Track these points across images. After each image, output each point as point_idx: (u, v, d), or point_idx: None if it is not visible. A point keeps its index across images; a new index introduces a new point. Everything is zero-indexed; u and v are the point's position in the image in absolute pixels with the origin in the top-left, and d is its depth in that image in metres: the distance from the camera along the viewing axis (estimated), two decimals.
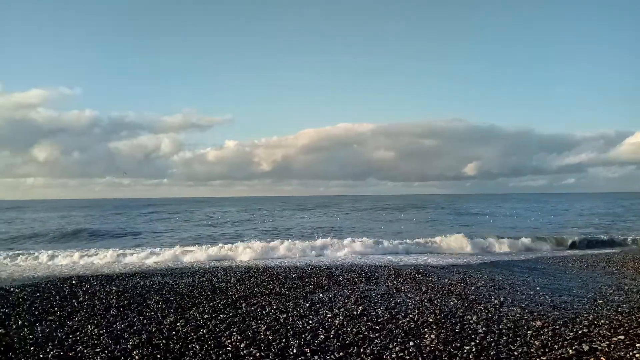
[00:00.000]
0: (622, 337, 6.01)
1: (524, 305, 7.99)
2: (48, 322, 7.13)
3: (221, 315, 7.43)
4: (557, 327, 6.56)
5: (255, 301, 8.50)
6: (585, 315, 7.26)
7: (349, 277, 11.14)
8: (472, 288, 9.64)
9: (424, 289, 9.49)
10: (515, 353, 5.47)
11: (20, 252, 17.51)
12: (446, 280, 10.58)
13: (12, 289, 9.96)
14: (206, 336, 6.29)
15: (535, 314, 7.40)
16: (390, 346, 5.75)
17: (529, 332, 6.33)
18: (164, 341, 6.07)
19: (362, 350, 5.63)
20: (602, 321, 6.84)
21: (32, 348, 5.81)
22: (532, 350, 5.57)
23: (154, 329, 6.67)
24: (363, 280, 10.75)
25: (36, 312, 7.77)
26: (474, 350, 5.57)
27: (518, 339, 6.03)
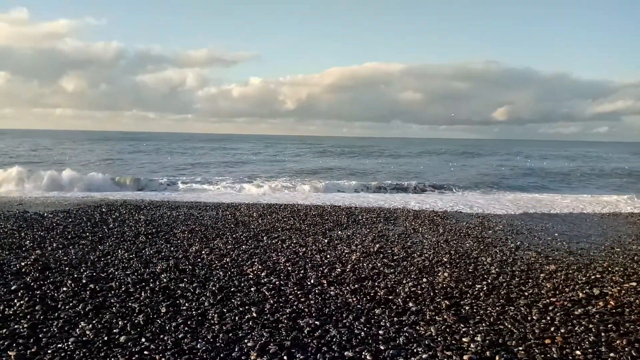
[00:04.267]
0: (634, 283, 6.13)
1: (539, 250, 8.14)
2: (80, 246, 7.60)
3: (243, 247, 7.79)
4: (570, 271, 6.71)
5: (276, 235, 8.84)
6: (600, 262, 7.37)
7: (367, 216, 11.39)
8: (490, 232, 9.80)
9: (441, 231, 9.69)
10: (526, 293, 5.66)
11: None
12: (464, 224, 10.74)
13: (45, 214, 10.53)
14: (229, 264, 6.66)
15: (550, 258, 7.55)
16: (404, 281, 6.02)
17: (541, 275, 6.51)
18: (190, 267, 6.46)
19: (376, 283, 5.91)
20: (617, 268, 6.95)
21: (67, 268, 6.25)
22: (542, 291, 5.75)
23: (180, 256, 7.08)
24: (382, 220, 11.00)
25: (69, 237, 8.26)
26: (485, 289, 5.79)
27: (530, 280, 6.22)
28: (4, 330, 4.27)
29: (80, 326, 4.39)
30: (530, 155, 54.86)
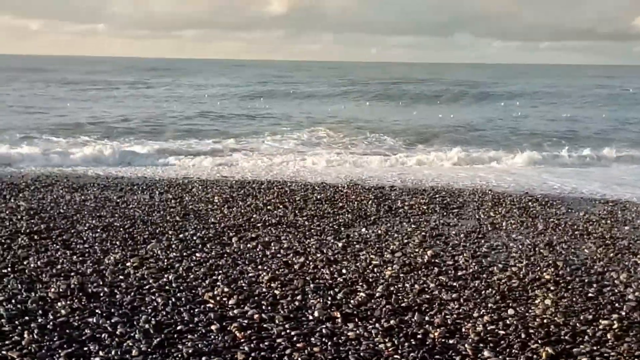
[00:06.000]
0: None
1: None
2: None
3: (198, 254, 7.85)
4: None
5: (254, 235, 8.89)
6: None
7: (412, 202, 11.42)
8: (626, 228, 9.81)
9: (540, 227, 9.71)
10: None
11: None
12: (581, 214, 10.75)
13: None
14: (173, 285, 6.71)
15: None
16: (475, 315, 6.05)
17: None
18: (105, 289, 6.51)
19: (427, 318, 5.94)
20: None
21: None
22: None
23: (89, 271, 7.13)
24: (437, 208, 11.02)
25: None
26: (615, 326, 5.80)
27: None
28: None
29: None
30: None
